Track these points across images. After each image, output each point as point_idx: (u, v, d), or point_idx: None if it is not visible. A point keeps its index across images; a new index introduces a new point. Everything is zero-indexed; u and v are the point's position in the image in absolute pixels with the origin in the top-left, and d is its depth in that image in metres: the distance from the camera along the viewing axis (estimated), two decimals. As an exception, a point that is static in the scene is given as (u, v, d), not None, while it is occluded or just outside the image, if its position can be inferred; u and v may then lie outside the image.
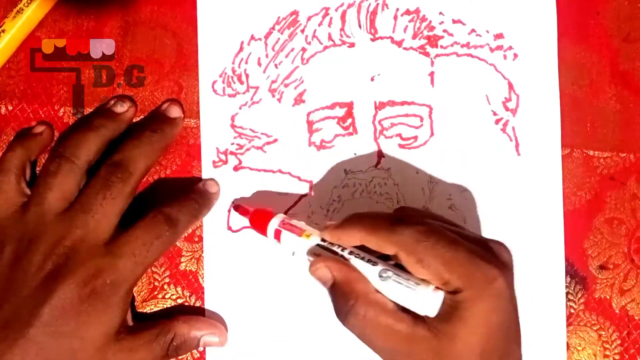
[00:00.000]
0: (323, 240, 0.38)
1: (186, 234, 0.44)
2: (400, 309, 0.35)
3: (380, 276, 0.36)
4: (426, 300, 0.34)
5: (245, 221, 0.44)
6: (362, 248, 0.37)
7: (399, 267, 0.36)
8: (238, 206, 0.43)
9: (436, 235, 0.35)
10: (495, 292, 0.34)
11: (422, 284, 0.35)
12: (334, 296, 0.36)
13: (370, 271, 0.36)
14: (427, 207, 0.44)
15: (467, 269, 0.34)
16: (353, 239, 0.37)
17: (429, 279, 0.34)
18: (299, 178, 0.45)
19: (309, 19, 0.45)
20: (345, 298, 0.35)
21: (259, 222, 0.41)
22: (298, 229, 0.39)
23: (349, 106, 0.44)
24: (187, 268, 0.44)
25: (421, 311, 0.35)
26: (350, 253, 0.37)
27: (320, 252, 0.38)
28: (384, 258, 0.37)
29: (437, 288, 0.34)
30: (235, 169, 0.45)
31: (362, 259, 0.36)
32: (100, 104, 0.44)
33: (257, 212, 0.41)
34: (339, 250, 0.37)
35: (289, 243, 0.40)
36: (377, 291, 0.36)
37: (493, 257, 0.35)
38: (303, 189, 0.44)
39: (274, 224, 0.40)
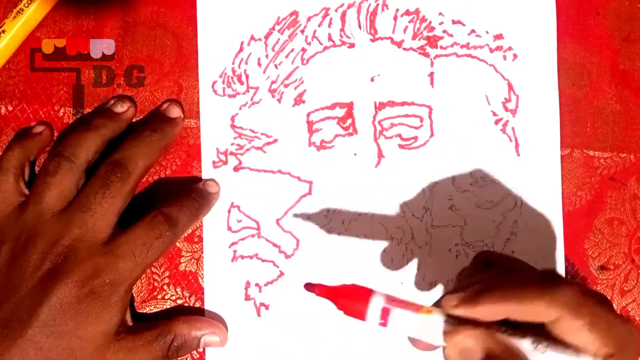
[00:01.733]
0: (449, 316, 0.31)
1: (186, 234, 0.44)
2: None
3: (535, 348, 0.30)
4: None
5: (245, 221, 0.44)
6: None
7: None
8: (313, 286, 0.34)
9: (595, 297, 0.31)
10: (634, 351, 0.31)
11: (581, 353, 0.30)
12: None
13: (521, 345, 0.30)
14: (427, 207, 0.44)
15: (617, 331, 0.30)
16: (497, 313, 0.31)
17: (587, 345, 0.30)
18: (299, 178, 0.44)
19: (309, 19, 0.45)
20: None
21: (351, 303, 0.33)
22: (412, 304, 0.32)
23: (349, 106, 0.44)
24: (187, 268, 0.44)
25: None
26: (504, 331, 0.31)
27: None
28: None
29: (597, 356, 0.30)
30: (235, 169, 0.44)
31: (504, 332, 0.30)
32: (100, 104, 0.44)
33: (346, 289, 0.33)
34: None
35: (402, 323, 0.32)
36: None
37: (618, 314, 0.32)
38: (303, 189, 0.44)
39: (378, 302, 0.32)
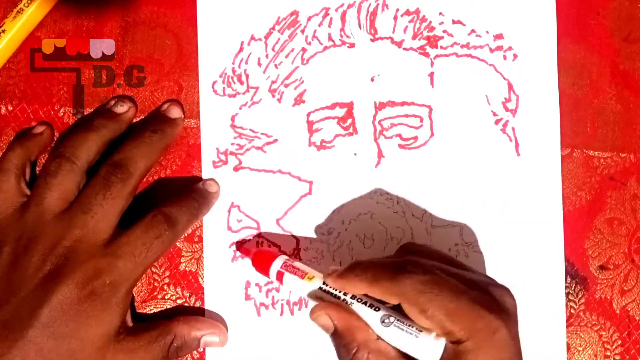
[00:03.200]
0: (324, 284, 0.38)
1: (186, 234, 0.44)
2: (403, 356, 0.35)
3: (383, 322, 0.36)
4: (428, 348, 0.35)
5: (245, 221, 0.44)
6: None
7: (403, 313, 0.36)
8: (240, 245, 0.43)
9: (439, 286, 0.34)
10: (497, 344, 0.34)
11: (425, 331, 0.35)
12: (336, 343, 0.37)
13: (372, 317, 0.36)
14: (427, 207, 0.44)
15: (470, 320, 0.34)
16: (356, 288, 0.37)
17: (432, 328, 0.35)
18: (299, 178, 0.45)
19: (309, 19, 0.45)
20: (347, 347, 0.36)
21: (261, 263, 0.41)
22: (301, 271, 0.39)
23: (349, 106, 0.44)
24: (187, 268, 0.44)
25: (423, 358, 0.35)
26: (353, 297, 0.37)
27: (322, 296, 0.38)
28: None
29: (439, 336, 0.34)
30: (235, 169, 0.45)
31: (365, 303, 0.37)
32: (100, 104, 0.44)
33: (260, 253, 0.41)
34: (341, 295, 0.37)
35: (291, 285, 0.39)
36: (379, 338, 0.36)
37: (496, 305, 0.35)
38: (303, 189, 0.44)
39: (276, 265, 0.40)
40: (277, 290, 0.44)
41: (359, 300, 0.37)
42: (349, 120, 0.44)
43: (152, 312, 0.44)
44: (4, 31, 0.43)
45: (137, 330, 0.40)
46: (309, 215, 0.44)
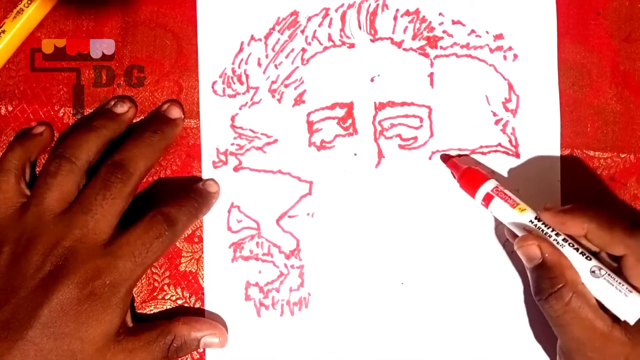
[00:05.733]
0: (537, 219, 0.38)
1: (186, 235, 0.44)
2: (601, 307, 0.37)
3: (592, 272, 0.37)
4: (632, 307, 0.36)
5: (245, 221, 0.44)
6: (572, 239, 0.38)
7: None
8: (448, 158, 0.43)
9: None
10: None
11: (634, 292, 0.36)
12: (538, 275, 0.38)
13: (582, 264, 0.37)
14: (427, 207, 0.44)
15: None
16: (578, 228, 0.38)
17: None
18: (299, 178, 0.44)
19: (309, 19, 0.45)
20: (553, 280, 0.37)
21: (470, 181, 0.41)
22: (512, 200, 0.40)
23: (349, 107, 0.44)
24: (187, 269, 0.44)
25: (623, 316, 0.36)
26: (565, 240, 0.37)
27: (531, 229, 0.39)
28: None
29: None
30: (235, 169, 0.44)
31: (577, 249, 0.37)
32: (100, 105, 0.44)
33: (470, 170, 0.42)
34: (552, 234, 0.38)
35: (498, 211, 0.40)
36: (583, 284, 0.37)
37: None
38: (303, 189, 0.44)
39: (486, 187, 0.40)
40: (277, 290, 0.44)
41: (571, 244, 0.37)
42: (349, 121, 0.44)
43: (152, 312, 0.44)
44: (4, 31, 0.43)
45: (137, 331, 0.40)
46: (309, 215, 0.44)
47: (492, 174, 0.43)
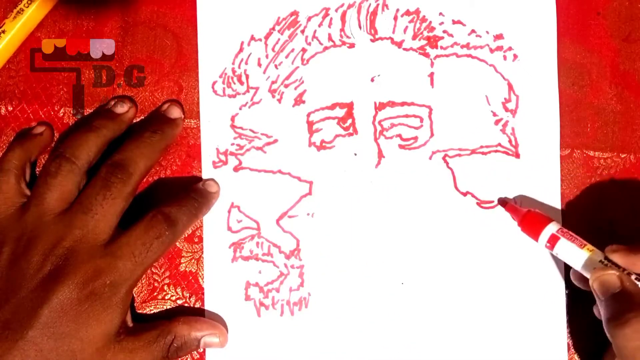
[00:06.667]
0: (607, 259, 0.39)
1: (186, 235, 0.44)
2: None
3: None
4: None
5: (245, 221, 0.44)
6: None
7: None
8: (505, 203, 0.44)
9: None
10: None
11: None
12: (614, 303, 0.37)
13: None
14: (428, 207, 0.44)
15: None
16: None
17: None
18: (299, 178, 0.44)
19: (309, 19, 0.45)
20: (628, 308, 0.36)
21: (532, 224, 0.41)
22: (579, 240, 0.40)
23: (349, 106, 0.44)
24: (187, 269, 0.44)
25: None
26: (637, 279, 0.38)
27: (598, 267, 0.38)
28: None
29: None
30: (235, 169, 0.44)
31: None
32: (100, 105, 0.44)
33: (530, 213, 0.42)
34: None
35: (565, 252, 0.40)
36: None
37: None
38: (303, 189, 0.44)
39: (551, 229, 0.40)
40: (277, 290, 0.44)
41: (637, 278, 0.38)
42: (349, 121, 0.44)
43: (152, 312, 0.44)
44: (4, 31, 0.43)
45: (137, 331, 0.40)
46: (309, 216, 0.44)
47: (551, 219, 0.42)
